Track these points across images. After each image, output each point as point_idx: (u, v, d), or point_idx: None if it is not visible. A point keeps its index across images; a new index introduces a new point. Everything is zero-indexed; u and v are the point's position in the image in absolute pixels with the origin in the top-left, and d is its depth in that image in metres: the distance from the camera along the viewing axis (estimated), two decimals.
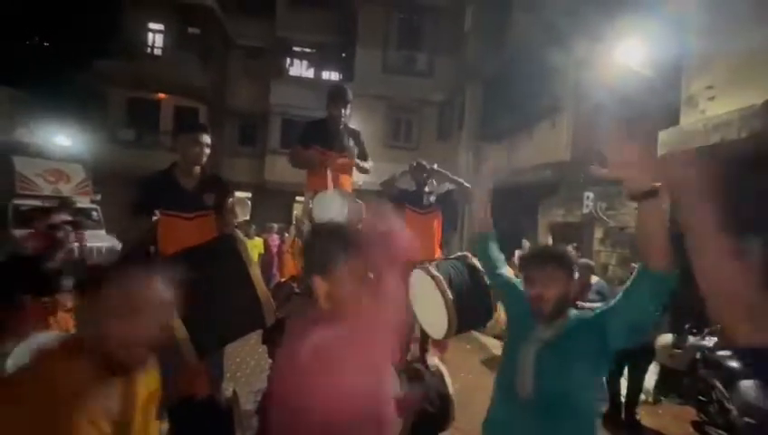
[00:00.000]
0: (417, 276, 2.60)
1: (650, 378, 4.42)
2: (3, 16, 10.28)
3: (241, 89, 14.75)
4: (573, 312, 1.52)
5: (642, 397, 4.18)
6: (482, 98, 11.33)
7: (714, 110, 4.38)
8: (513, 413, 1.46)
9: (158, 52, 13.75)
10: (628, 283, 1.32)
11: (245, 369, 4.51)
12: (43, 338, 2.28)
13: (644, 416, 4.06)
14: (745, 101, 3.90)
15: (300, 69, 15.30)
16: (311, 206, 2.74)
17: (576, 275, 1.52)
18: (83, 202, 7.86)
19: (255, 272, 2.09)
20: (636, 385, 4.05)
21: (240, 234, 2.30)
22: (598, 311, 1.48)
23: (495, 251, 1.88)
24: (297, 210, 14.76)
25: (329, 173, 2.82)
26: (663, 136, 4.94)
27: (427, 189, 3.64)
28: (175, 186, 2.42)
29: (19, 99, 12.28)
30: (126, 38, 12.98)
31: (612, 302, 1.39)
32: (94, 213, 7.72)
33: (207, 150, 2.45)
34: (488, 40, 10.59)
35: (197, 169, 2.48)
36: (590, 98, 6.86)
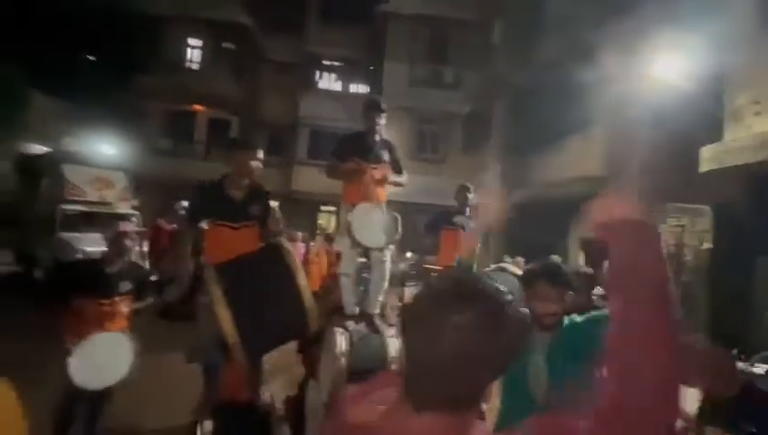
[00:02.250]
0: None
1: (692, 404, 4.20)
2: (54, 34, 11.05)
3: (271, 101, 15.23)
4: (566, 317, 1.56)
5: (683, 424, 3.97)
6: (509, 111, 11.27)
7: (761, 125, 4.22)
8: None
9: (195, 66, 14.43)
10: None
11: (279, 378, 4.56)
12: (101, 338, 2.41)
13: None
14: None
15: (328, 82, 15.68)
16: (349, 218, 2.79)
17: (572, 288, 1.54)
18: (124, 208, 8.24)
19: (302, 281, 2.16)
20: None
21: (287, 243, 2.38)
22: (596, 317, 1.51)
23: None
24: (322, 220, 14.98)
25: (366, 185, 2.86)
26: (706, 152, 4.78)
27: (468, 213, 3.74)
28: (225, 197, 2.55)
29: (67, 110, 13.08)
30: (166, 54, 13.70)
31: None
32: (134, 218, 8.07)
33: (261, 166, 2.58)
34: (517, 53, 10.58)
35: (246, 181, 2.60)
36: (625, 111, 6.73)
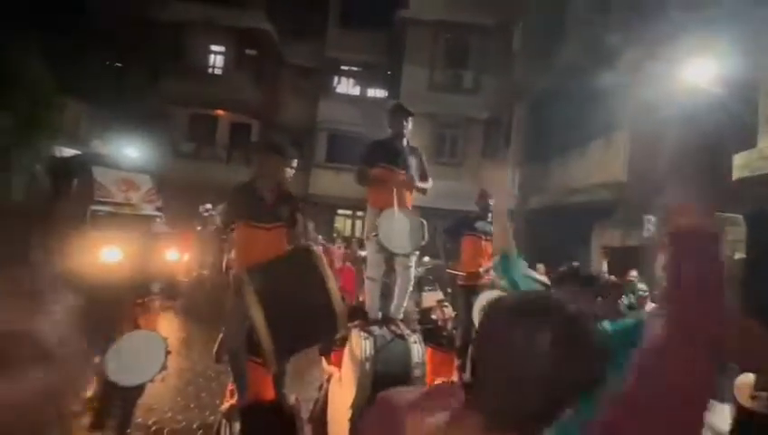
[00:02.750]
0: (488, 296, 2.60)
1: (723, 421, 4.04)
2: (83, 41, 11.51)
3: (290, 106, 15.46)
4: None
5: None
6: (529, 116, 11.16)
7: None
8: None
9: (218, 72, 14.77)
10: None
11: (301, 377, 4.60)
12: (135, 336, 2.48)
13: None
14: None
15: (347, 87, 15.83)
16: (376, 222, 2.80)
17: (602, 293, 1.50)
18: (149, 209, 8.47)
19: (332, 285, 2.19)
20: None
21: (316, 248, 2.42)
22: (626, 324, 1.41)
23: (518, 268, 1.82)
24: (338, 223, 15.08)
25: (394, 191, 2.88)
26: (738, 159, 4.64)
27: (489, 218, 3.72)
28: (257, 198, 2.61)
29: (94, 113, 13.56)
30: (190, 60, 14.07)
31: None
32: (158, 219, 8.28)
33: (293, 171, 2.65)
34: (537, 58, 10.48)
35: (276, 183, 2.68)
36: (651, 115, 6.58)
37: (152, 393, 2.87)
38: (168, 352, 2.48)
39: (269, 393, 2.63)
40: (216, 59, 14.87)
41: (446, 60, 13.52)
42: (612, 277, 5.54)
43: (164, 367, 2.44)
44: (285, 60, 15.59)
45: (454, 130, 13.72)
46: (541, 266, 6.64)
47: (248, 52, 14.65)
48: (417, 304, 6.50)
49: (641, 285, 5.30)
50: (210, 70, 14.77)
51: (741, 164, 4.57)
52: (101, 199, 7.70)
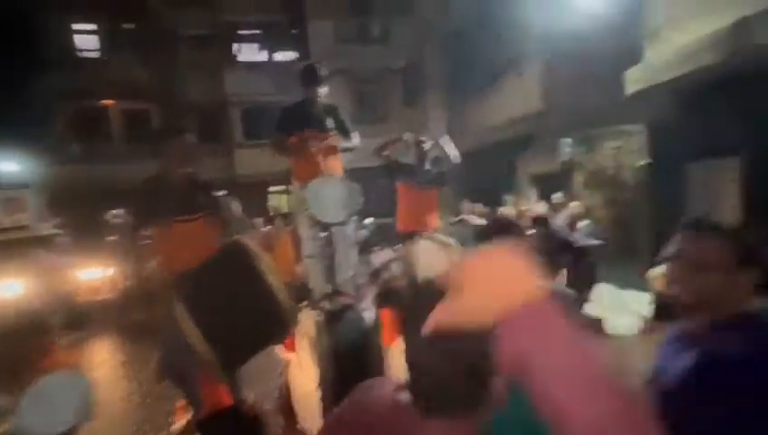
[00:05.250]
0: (425, 246, 2.57)
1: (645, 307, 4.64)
2: None
3: (192, 82, 13.89)
4: None
5: None
6: (443, 57, 11.13)
7: (679, 40, 4.42)
8: None
9: (92, 54, 12.67)
10: None
11: (256, 369, 4.46)
12: (48, 382, 2.13)
13: None
14: (711, 27, 3.95)
15: (251, 53, 14.51)
16: (304, 197, 2.63)
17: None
18: (46, 229, 7.37)
19: (274, 280, 1.99)
20: None
21: (250, 241, 2.19)
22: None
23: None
24: (273, 201, 14.42)
25: (315, 158, 2.71)
26: (631, 73, 4.98)
27: (427, 166, 3.63)
28: (172, 190, 2.34)
29: None
30: (52, 46, 11.85)
31: None
32: (59, 238, 7.25)
33: (194, 152, 2.45)
34: None
35: (187, 172, 2.43)
36: (552, 45, 6.83)
37: (100, 425, 2.59)
38: (89, 393, 2.17)
39: (226, 399, 2.47)
40: (86, 40, 12.69)
41: (350, 9, 12.81)
42: (543, 207, 5.90)
43: (87, 414, 2.12)
44: (174, 31, 13.76)
45: (372, 85, 13.34)
46: (479, 206, 6.92)
47: (125, 26, 12.66)
48: (368, 264, 6.52)
49: (573, 204, 5.45)
50: (81, 54, 12.60)
51: (633, 78, 4.91)
52: None
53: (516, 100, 8.11)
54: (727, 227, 1.00)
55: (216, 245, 2.45)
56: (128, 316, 5.59)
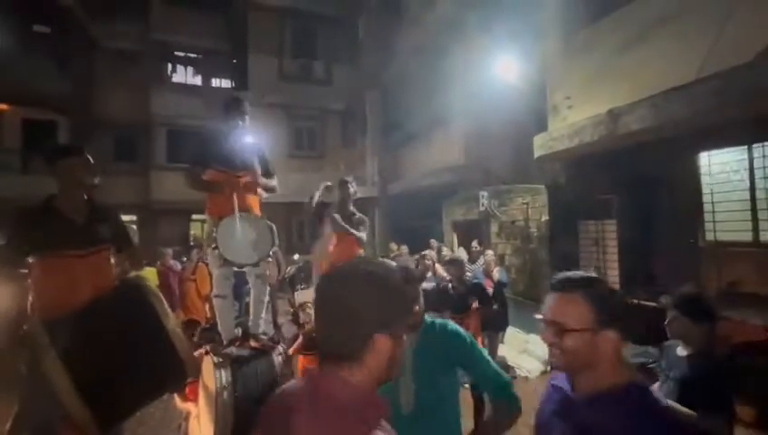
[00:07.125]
0: None
1: None
2: None
3: (113, 97, 12.91)
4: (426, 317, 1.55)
5: None
6: (381, 105, 11.75)
7: (572, 117, 5.22)
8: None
9: None
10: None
11: (150, 421, 3.97)
12: None
13: None
14: (595, 110, 4.74)
15: (185, 76, 14.03)
16: (215, 234, 2.50)
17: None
18: None
19: (172, 325, 1.83)
20: None
21: (148, 281, 2.01)
22: (450, 334, 1.49)
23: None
24: (195, 230, 13.48)
25: (232, 195, 2.57)
26: (537, 140, 5.72)
27: (351, 208, 3.65)
28: (60, 219, 2.05)
29: None
30: None
31: (468, 358, 1.48)
32: None
33: (96, 175, 2.16)
34: (382, 48, 11.03)
35: (84, 197, 2.16)
36: (476, 107, 7.63)
37: None
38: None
39: None
40: None
41: (295, 49, 13.11)
42: (461, 254, 6.25)
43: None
44: (97, 41, 12.86)
45: (311, 123, 13.53)
46: (405, 247, 7.14)
47: (37, 28, 11.53)
48: (291, 303, 6.26)
49: (488, 252, 5.85)
50: None
51: (539, 144, 5.64)
52: None
53: (443, 152, 8.76)
54: (595, 284, 0.97)
55: (111, 283, 2.22)
56: None
